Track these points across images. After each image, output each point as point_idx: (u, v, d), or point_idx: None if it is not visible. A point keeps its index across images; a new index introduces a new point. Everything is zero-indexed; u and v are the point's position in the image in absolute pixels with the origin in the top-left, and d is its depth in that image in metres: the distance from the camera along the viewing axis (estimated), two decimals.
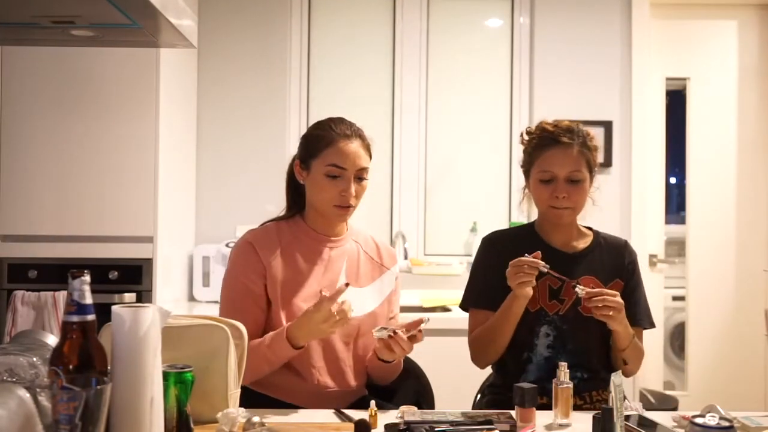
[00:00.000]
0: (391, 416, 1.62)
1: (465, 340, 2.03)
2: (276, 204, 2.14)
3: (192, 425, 1.41)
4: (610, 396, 1.43)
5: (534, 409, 1.58)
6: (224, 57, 3.55)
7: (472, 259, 2.14)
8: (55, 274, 2.83)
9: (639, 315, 2.01)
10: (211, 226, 3.50)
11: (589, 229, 2.08)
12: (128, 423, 1.26)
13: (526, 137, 2.03)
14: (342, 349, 1.93)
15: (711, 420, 1.25)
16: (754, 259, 3.77)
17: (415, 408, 1.67)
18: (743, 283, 3.78)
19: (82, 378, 1.13)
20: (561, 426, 1.63)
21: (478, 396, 2.18)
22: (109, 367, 1.25)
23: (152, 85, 2.88)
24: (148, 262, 2.89)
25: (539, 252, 1.85)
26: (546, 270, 1.83)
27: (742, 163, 3.82)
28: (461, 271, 3.44)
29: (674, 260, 3.95)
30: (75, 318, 1.20)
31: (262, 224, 2.01)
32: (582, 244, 2.04)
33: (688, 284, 3.86)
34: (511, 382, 1.69)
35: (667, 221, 3.98)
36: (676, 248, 4.05)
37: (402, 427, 1.52)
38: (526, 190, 2.05)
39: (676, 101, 3.93)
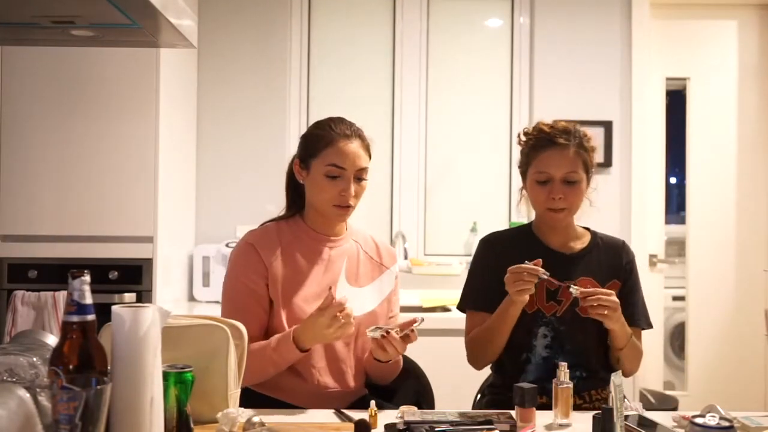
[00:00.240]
0: (391, 416, 1.62)
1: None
2: (276, 204, 2.15)
3: (192, 425, 1.41)
4: (610, 396, 1.43)
5: (534, 409, 1.58)
6: (224, 57, 3.55)
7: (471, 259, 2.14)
8: (55, 274, 2.83)
9: (637, 315, 2.01)
10: (211, 226, 3.50)
11: (587, 229, 2.08)
12: (128, 423, 1.26)
13: (523, 138, 2.03)
14: (342, 349, 1.93)
15: (711, 420, 1.25)
16: (754, 259, 3.77)
17: (415, 408, 1.66)
18: (743, 283, 3.78)
19: (82, 378, 1.13)
20: (561, 426, 1.63)
21: (478, 396, 2.18)
22: (109, 367, 1.25)
23: (152, 85, 2.88)
24: (148, 262, 2.89)
25: (540, 260, 1.84)
26: (545, 277, 1.82)
27: (742, 163, 3.82)
28: (461, 271, 3.44)
29: (674, 260, 3.95)
30: (75, 318, 1.20)
31: (262, 224, 2.01)
32: (579, 244, 2.03)
33: (688, 284, 3.86)
34: (511, 382, 1.69)
35: (667, 221, 3.98)
36: (676, 248, 4.06)
37: (402, 427, 1.52)
38: (524, 191, 2.05)
39: (676, 101, 3.93)
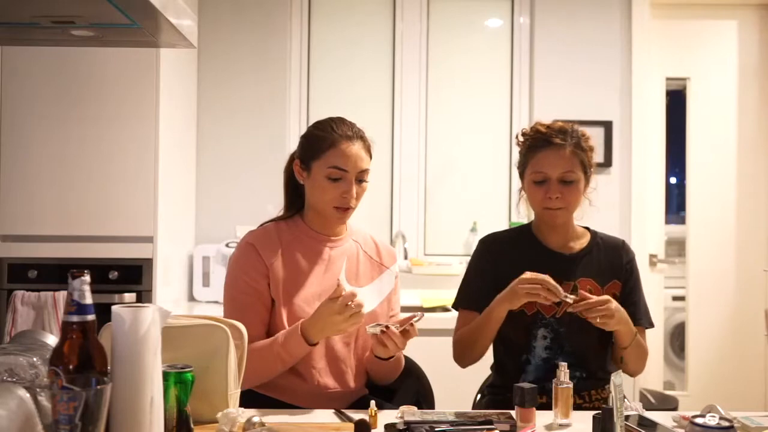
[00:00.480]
0: (391, 416, 1.62)
1: None
2: (276, 204, 2.14)
3: (192, 425, 1.41)
4: (610, 396, 1.43)
5: (534, 409, 1.58)
6: (224, 57, 3.55)
7: None
8: (55, 274, 2.83)
9: (639, 314, 2.01)
10: (211, 226, 3.50)
11: (587, 229, 2.08)
12: (128, 423, 1.26)
13: (521, 138, 2.03)
14: (342, 349, 1.92)
15: (711, 420, 1.25)
16: (754, 259, 3.77)
17: (415, 408, 1.66)
18: (743, 283, 3.78)
19: (82, 378, 1.13)
20: (561, 426, 1.63)
21: (478, 396, 2.18)
22: (109, 367, 1.25)
23: (152, 85, 2.88)
24: (148, 262, 2.89)
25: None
26: (562, 299, 1.81)
27: (742, 163, 3.82)
28: (461, 271, 3.43)
29: (674, 260, 3.95)
30: (75, 318, 1.20)
31: (261, 225, 2.00)
32: (579, 245, 2.03)
33: (688, 284, 3.86)
34: (511, 382, 1.69)
35: (667, 221, 3.98)
36: (676, 248, 4.06)
37: (402, 427, 1.52)
38: (522, 192, 2.05)
39: (676, 101, 3.93)
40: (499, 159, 3.73)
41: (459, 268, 3.49)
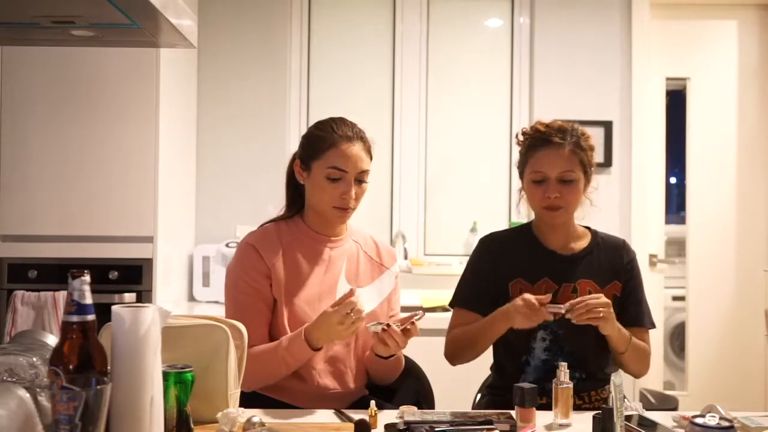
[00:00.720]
0: (391, 416, 1.62)
1: None
2: (276, 204, 2.15)
3: (192, 425, 1.41)
4: (610, 396, 1.43)
5: (534, 409, 1.58)
6: (224, 57, 3.55)
7: None
8: (55, 274, 2.83)
9: (640, 314, 1.99)
10: (211, 226, 3.50)
11: (588, 229, 2.07)
12: (128, 423, 1.26)
13: (521, 138, 2.02)
14: (342, 350, 1.92)
15: (711, 420, 1.24)
16: (754, 259, 3.77)
17: (415, 408, 1.66)
18: (743, 283, 3.78)
19: (82, 378, 1.13)
20: (561, 426, 1.63)
21: (478, 396, 2.17)
22: (109, 367, 1.25)
23: (152, 85, 2.88)
24: (148, 262, 2.89)
25: (549, 295, 1.83)
26: (559, 314, 1.81)
27: (742, 163, 3.82)
28: (461, 271, 3.43)
29: (674, 260, 3.95)
30: (75, 318, 1.20)
31: (261, 226, 2.00)
32: (579, 245, 2.02)
33: (688, 284, 3.86)
34: (510, 383, 1.68)
35: (667, 221, 3.98)
36: (676, 248, 4.06)
37: (402, 427, 1.52)
38: (522, 192, 2.04)
39: (676, 101, 3.93)
40: (499, 159, 3.73)
41: (459, 268, 3.46)
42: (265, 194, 3.42)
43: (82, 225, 2.87)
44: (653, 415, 1.65)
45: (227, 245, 3.30)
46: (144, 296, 2.89)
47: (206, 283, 3.33)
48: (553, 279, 1.95)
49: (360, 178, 1.90)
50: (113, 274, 2.86)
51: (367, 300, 1.97)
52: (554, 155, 1.92)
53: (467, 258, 2.14)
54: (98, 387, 1.10)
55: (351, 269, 1.98)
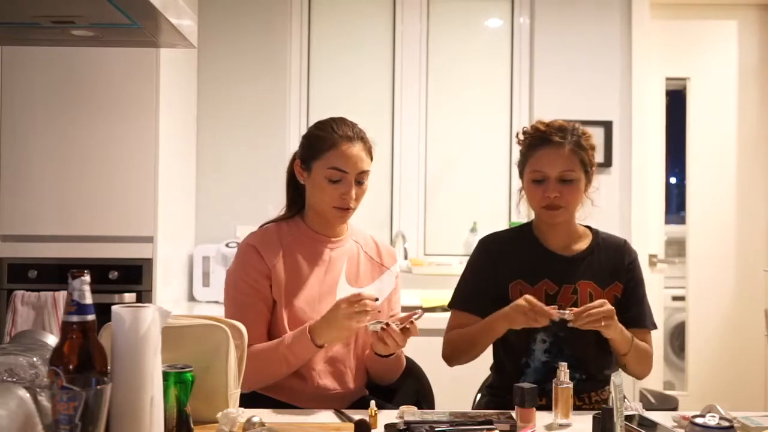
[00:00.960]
0: (391, 416, 1.62)
1: None
2: (276, 204, 2.14)
3: (192, 425, 1.41)
4: (610, 396, 1.43)
5: (534, 409, 1.58)
6: (224, 57, 3.55)
7: None
8: (55, 274, 2.83)
9: (642, 315, 1.98)
10: (211, 226, 3.50)
11: (589, 228, 2.05)
12: (128, 423, 1.26)
13: (521, 137, 2.01)
14: (342, 350, 1.92)
15: (711, 420, 1.25)
16: (754, 259, 3.77)
17: (415, 408, 1.66)
18: (743, 283, 3.78)
19: (82, 378, 1.13)
20: (561, 426, 1.63)
21: (478, 396, 2.17)
22: (109, 367, 1.25)
23: (152, 85, 2.88)
24: (148, 262, 2.89)
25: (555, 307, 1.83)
26: (557, 319, 1.80)
27: (742, 163, 3.82)
28: (461, 271, 3.43)
29: (674, 260, 3.95)
30: (75, 318, 1.20)
31: (261, 226, 2.00)
32: (580, 245, 2.00)
33: (688, 284, 3.86)
34: (510, 383, 1.68)
35: (667, 221, 3.99)
36: (676, 248, 4.06)
37: (402, 427, 1.52)
38: (522, 192, 2.03)
39: (676, 101, 3.93)
40: (499, 159, 3.73)
41: (459, 268, 3.45)
42: (265, 194, 3.42)
43: (82, 225, 2.87)
44: (653, 415, 1.65)
45: (227, 245, 3.30)
46: (144, 296, 2.89)
47: (206, 283, 3.34)
48: (553, 280, 1.94)
49: (360, 179, 1.90)
50: (113, 274, 2.87)
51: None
52: (554, 154, 1.92)
53: (467, 258, 2.14)
54: (98, 387, 1.10)
55: (351, 269, 1.97)
